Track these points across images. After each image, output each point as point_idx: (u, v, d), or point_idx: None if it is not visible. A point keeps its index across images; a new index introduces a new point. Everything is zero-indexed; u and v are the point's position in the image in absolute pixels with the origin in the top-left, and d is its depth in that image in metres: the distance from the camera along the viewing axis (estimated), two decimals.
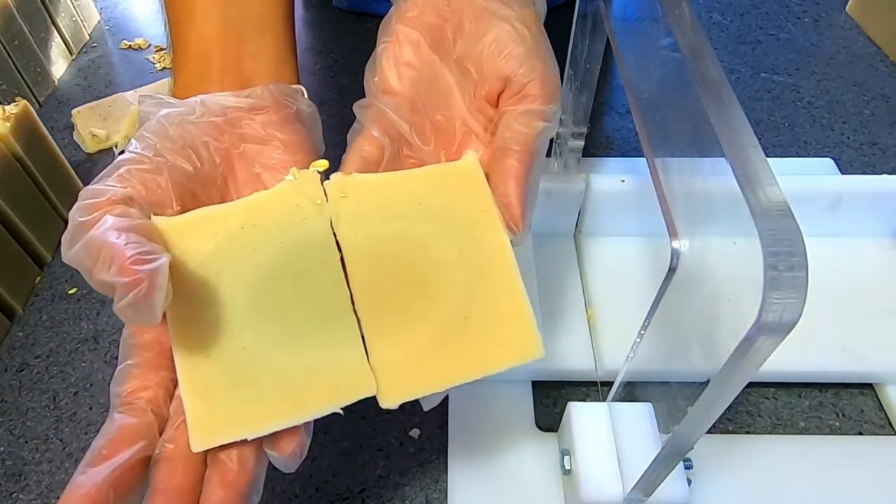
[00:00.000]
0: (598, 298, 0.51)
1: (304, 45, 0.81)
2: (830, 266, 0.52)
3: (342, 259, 0.32)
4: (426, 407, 0.32)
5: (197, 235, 0.32)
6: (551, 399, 0.49)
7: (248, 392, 0.29)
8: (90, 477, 0.27)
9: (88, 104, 0.70)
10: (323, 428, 0.47)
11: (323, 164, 0.37)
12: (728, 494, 0.42)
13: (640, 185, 0.52)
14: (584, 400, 0.49)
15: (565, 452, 0.40)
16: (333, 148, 0.68)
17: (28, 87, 0.70)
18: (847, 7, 0.85)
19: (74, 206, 0.30)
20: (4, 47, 0.66)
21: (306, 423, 0.30)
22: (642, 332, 0.36)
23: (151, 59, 0.79)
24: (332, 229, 0.33)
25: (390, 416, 0.48)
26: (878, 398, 0.48)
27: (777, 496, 0.42)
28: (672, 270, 0.30)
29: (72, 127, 0.69)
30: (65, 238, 0.29)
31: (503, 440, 0.45)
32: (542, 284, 0.50)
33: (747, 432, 0.47)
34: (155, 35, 0.83)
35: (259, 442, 0.29)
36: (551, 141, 0.66)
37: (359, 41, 0.82)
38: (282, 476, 0.45)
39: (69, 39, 0.78)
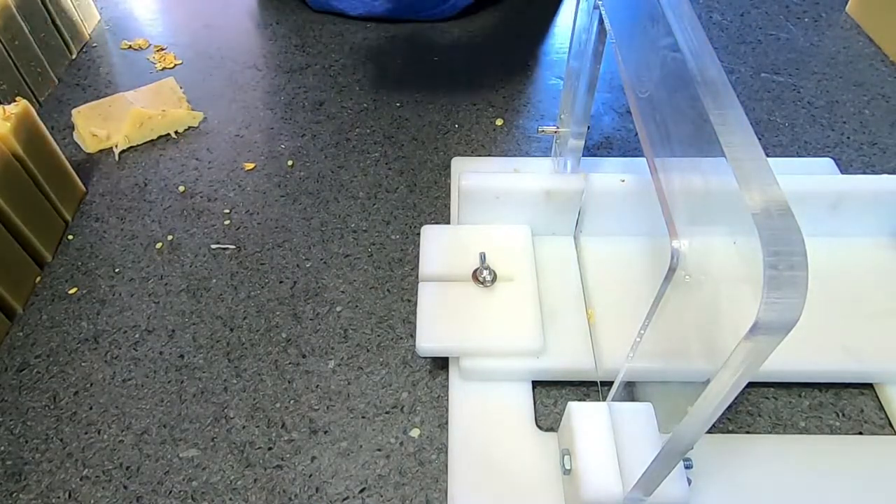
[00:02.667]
0: (598, 298, 0.51)
1: (303, 45, 0.81)
2: (830, 266, 0.52)
3: None
4: None
5: None
6: (551, 399, 0.49)
7: None
8: None
9: (88, 104, 0.70)
10: (323, 428, 0.47)
11: None
12: (728, 494, 0.42)
13: (640, 185, 0.52)
14: (584, 400, 0.49)
15: (565, 452, 0.40)
16: (334, 147, 0.68)
17: (28, 86, 0.70)
18: (847, 7, 0.85)
19: None
20: (4, 47, 0.66)
21: None
22: (642, 331, 0.36)
23: (151, 59, 0.79)
24: None
25: (390, 415, 0.48)
26: (878, 398, 0.48)
27: (777, 496, 0.42)
28: (672, 270, 0.30)
29: (72, 127, 0.69)
30: None
31: (503, 440, 0.45)
32: (542, 284, 0.50)
33: (747, 432, 0.47)
34: (155, 35, 0.83)
35: None
36: (552, 140, 0.66)
37: (359, 41, 0.82)
38: (282, 476, 0.45)
39: (69, 39, 0.78)
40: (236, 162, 0.67)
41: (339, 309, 0.54)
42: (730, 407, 0.38)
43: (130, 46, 0.81)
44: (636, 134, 0.68)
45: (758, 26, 0.83)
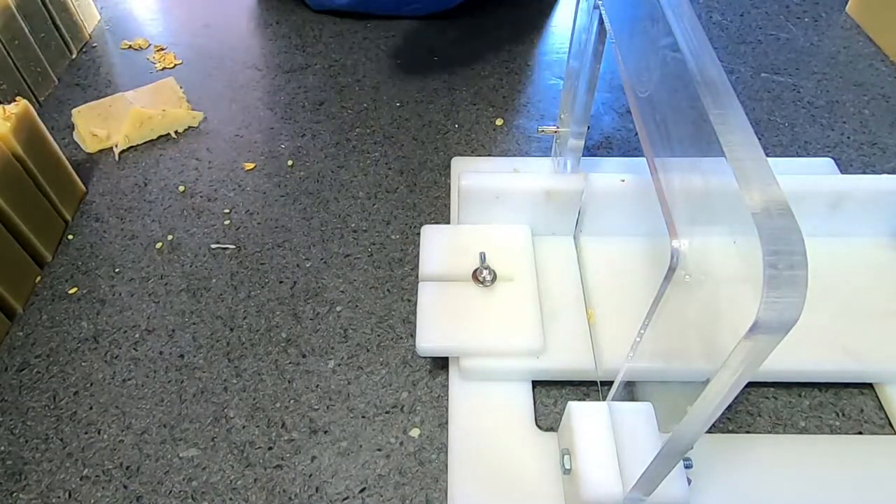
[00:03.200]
0: (598, 298, 0.51)
1: (303, 45, 0.81)
2: (830, 266, 0.52)
3: None
4: None
5: None
6: (551, 399, 0.49)
7: None
8: None
9: (88, 104, 0.70)
10: (323, 428, 0.47)
11: None
12: (728, 494, 0.42)
13: (640, 185, 0.52)
14: (584, 400, 0.49)
15: (565, 452, 0.40)
16: (334, 147, 0.68)
17: (28, 86, 0.70)
18: (847, 7, 0.85)
19: None
20: (4, 47, 0.66)
21: None
22: (642, 331, 0.36)
23: (151, 58, 0.79)
24: None
25: (390, 415, 0.48)
26: (878, 398, 0.48)
27: (777, 496, 0.42)
28: (672, 270, 0.30)
29: (72, 127, 0.69)
30: None
31: (503, 440, 0.45)
32: (542, 284, 0.50)
33: (747, 432, 0.47)
34: (155, 35, 0.83)
35: None
36: (552, 140, 0.66)
37: (359, 41, 0.82)
38: (282, 476, 0.45)
39: (69, 39, 0.78)
40: (236, 162, 0.67)
41: (339, 309, 0.54)
42: (730, 407, 0.38)
43: (130, 46, 0.81)
44: (636, 134, 0.68)
45: (758, 26, 0.83)
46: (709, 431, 0.30)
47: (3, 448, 0.46)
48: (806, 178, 0.54)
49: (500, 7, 0.87)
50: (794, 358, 0.46)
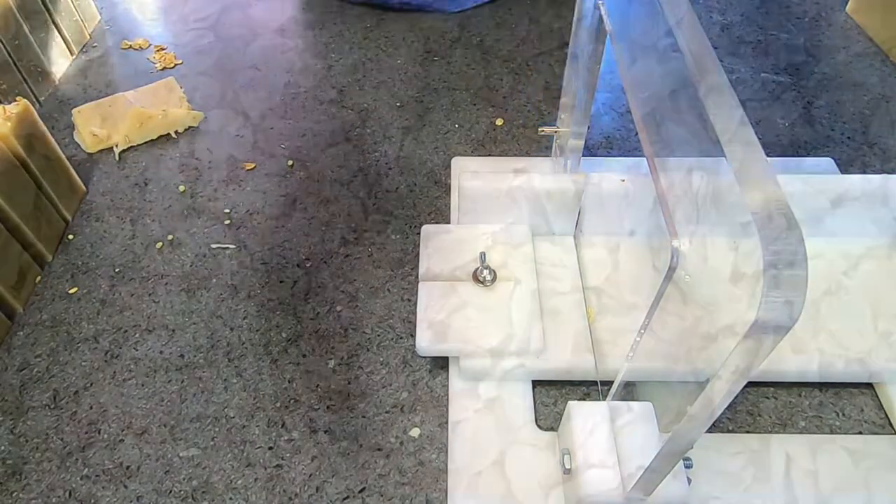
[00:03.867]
0: (598, 298, 0.51)
1: (304, 45, 0.81)
2: (830, 266, 0.52)
3: None
4: None
5: None
6: (551, 399, 0.49)
7: None
8: None
9: (88, 104, 0.70)
10: (322, 427, 0.47)
11: None
12: (728, 494, 0.42)
13: (640, 185, 0.52)
14: (584, 400, 0.49)
15: (565, 452, 0.40)
16: (334, 148, 0.68)
17: (28, 86, 0.70)
18: (847, 7, 0.85)
19: None
20: (5, 47, 0.66)
21: None
22: (642, 331, 0.36)
23: (151, 59, 0.79)
24: None
25: (390, 415, 0.48)
26: (878, 398, 0.48)
27: (777, 496, 0.42)
28: (672, 270, 0.30)
29: (72, 127, 0.69)
30: None
31: (503, 440, 0.45)
32: (542, 284, 0.50)
33: (747, 432, 0.47)
34: (155, 35, 0.83)
35: None
36: (552, 140, 0.66)
37: (359, 41, 0.82)
38: (282, 476, 0.45)
39: (69, 39, 0.78)
40: (236, 162, 0.67)
41: (339, 309, 0.54)
42: (730, 407, 0.38)
43: (130, 46, 0.81)
44: (636, 134, 0.68)
45: (758, 26, 0.83)
46: (709, 431, 0.30)
47: (3, 448, 0.46)
48: (806, 178, 0.54)
49: (500, 7, 0.87)
50: (794, 358, 0.46)
